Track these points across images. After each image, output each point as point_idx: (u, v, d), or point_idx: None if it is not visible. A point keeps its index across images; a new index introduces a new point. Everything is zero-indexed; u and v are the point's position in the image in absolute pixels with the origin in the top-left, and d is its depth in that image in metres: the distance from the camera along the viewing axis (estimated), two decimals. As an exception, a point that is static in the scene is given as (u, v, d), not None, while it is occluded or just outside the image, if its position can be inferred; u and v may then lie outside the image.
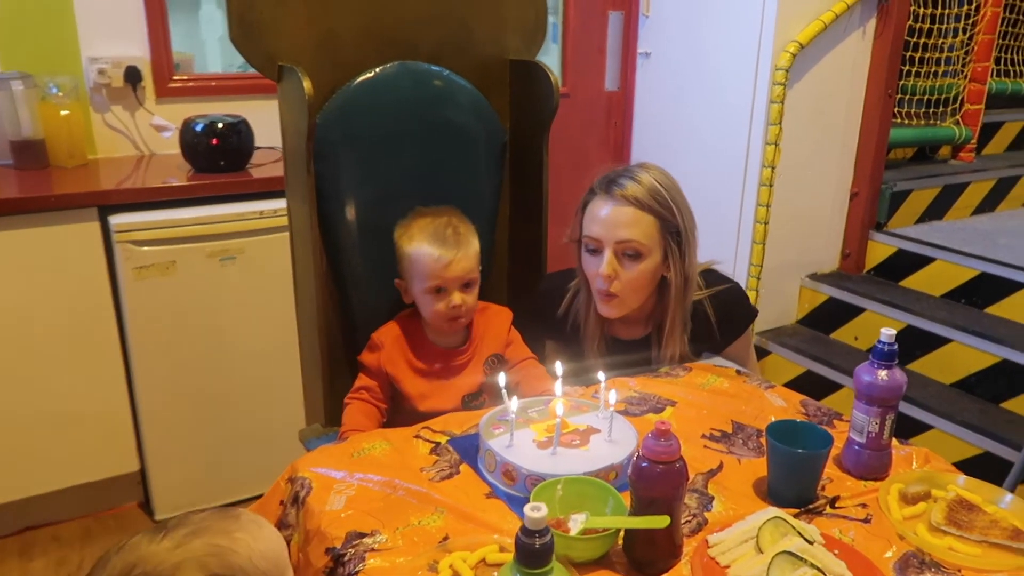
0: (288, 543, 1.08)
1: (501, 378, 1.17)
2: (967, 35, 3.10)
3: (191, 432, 2.19)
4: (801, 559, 0.87)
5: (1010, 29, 3.35)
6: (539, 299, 1.61)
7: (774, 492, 1.07)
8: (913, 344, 2.50)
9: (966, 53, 3.14)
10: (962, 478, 1.08)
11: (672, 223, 1.41)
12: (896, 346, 1.09)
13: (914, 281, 2.74)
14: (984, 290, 2.54)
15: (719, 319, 1.51)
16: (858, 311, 2.69)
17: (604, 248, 1.41)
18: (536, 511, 0.69)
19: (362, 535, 0.98)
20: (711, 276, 1.54)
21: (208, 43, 2.76)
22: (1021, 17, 3.38)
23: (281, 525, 1.11)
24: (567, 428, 1.17)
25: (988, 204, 3.20)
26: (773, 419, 1.25)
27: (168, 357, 2.10)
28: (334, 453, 1.16)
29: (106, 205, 1.99)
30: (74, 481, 2.16)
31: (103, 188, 2.04)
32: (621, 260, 1.41)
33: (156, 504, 2.24)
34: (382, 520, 1.00)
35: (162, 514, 2.24)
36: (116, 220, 1.97)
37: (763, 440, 1.19)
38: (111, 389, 2.12)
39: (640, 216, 1.39)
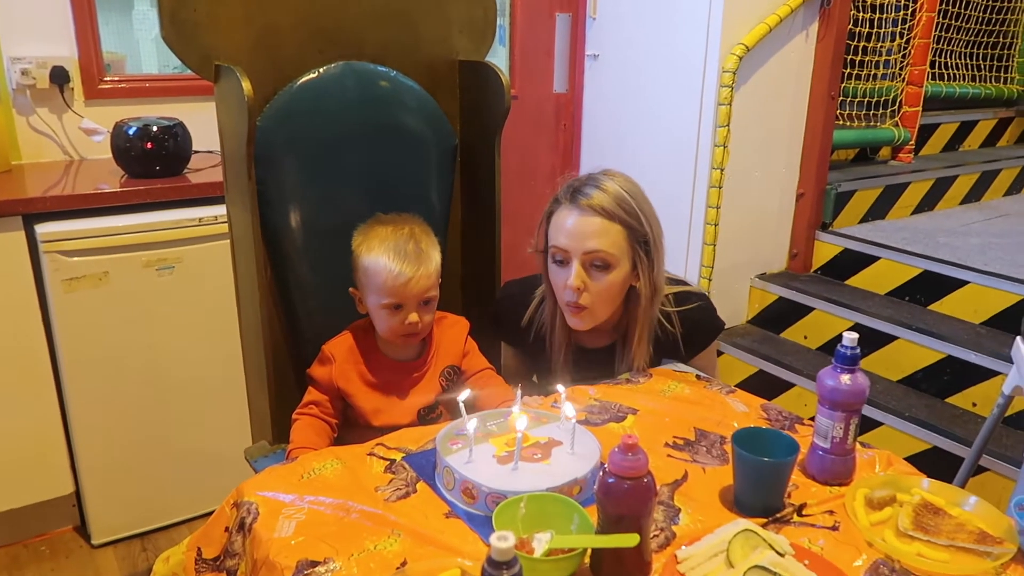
0: (235, 573, 1.02)
1: (461, 395, 1.12)
2: (904, 39, 3.18)
3: (129, 451, 2.08)
4: (774, 574, 0.85)
5: (944, 34, 3.45)
6: (500, 307, 1.57)
7: (741, 502, 1.04)
8: (861, 342, 2.51)
9: (903, 57, 3.21)
10: (926, 481, 1.07)
11: (640, 231, 1.37)
12: (858, 350, 1.08)
13: (859, 280, 2.78)
14: (927, 288, 2.59)
15: (684, 332, 1.48)
16: (807, 310, 2.71)
17: (572, 259, 1.37)
18: (503, 541, 0.64)
19: (314, 563, 0.92)
20: (678, 286, 1.51)
21: (143, 43, 2.64)
22: (954, 22, 3.48)
23: (227, 554, 1.04)
24: (528, 441, 1.12)
25: (927, 203, 3.28)
26: (736, 425, 1.24)
27: (102, 373, 1.99)
28: (282, 475, 1.10)
29: (31, 213, 1.87)
30: (1, 507, 2.03)
31: (28, 195, 1.92)
32: (589, 271, 1.37)
33: (93, 528, 2.12)
34: (335, 546, 0.94)
35: (100, 538, 2.13)
36: (43, 229, 1.86)
37: (727, 447, 1.17)
38: (42, 408, 2.00)
39: (607, 226, 1.35)
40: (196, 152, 2.23)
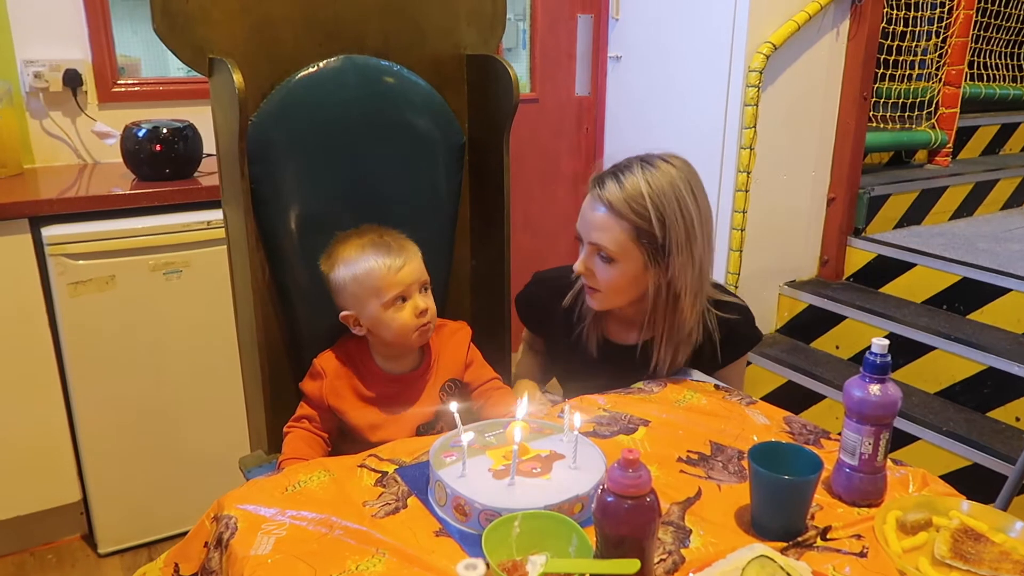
0: (211, 592, 0.96)
1: (452, 405, 1.05)
2: (940, 38, 3.06)
3: (136, 458, 2.04)
4: (791, 605, 0.76)
5: (983, 33, 3.31)
6: (535, 289, 1.54)
7: (758, 524, 0.95)
8: (895, 352, 2.39)
9: (940, 56, 3.09)
10: (966, 504, 0.98)
11: (647, 232, 1.29)
12: (889, 358, 0.99)
13: (894, 287, 2.66)
14: (966, 296, 2.47)
15: (721, 338, 1.42)
16: (838, 319, 2.60)
17: (584, 244, 1.35)
18: (471, 570, 0.57)
19: (290, 585, 0.85)
20: (721, 293, 1.45)
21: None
22: (994, 20, 3.34)
23: (204, 571, 0.98)
24: (527, 454, 1.05)
25: (966, 208, 3.15)
26: (755, 439, 1.15)
27: (109, 379, 1.96)
28: (265, 487, 1.03)
29: (38, 216, 1.85)
30: (8, 514, 2.00)
31: (37, 198, 1.90)
32: (595, 259, 1.34)
33: (99, 536, 2.09)
34: (314, 566, 0.88)
35: (107, 547, 2.09)
36: (49, 232, 1.83)
37: (745, 463, 1.08)
38: (48, 414, 1.97)
39: (611, 222, 1.30)
40: (208, 155, 2.19)
